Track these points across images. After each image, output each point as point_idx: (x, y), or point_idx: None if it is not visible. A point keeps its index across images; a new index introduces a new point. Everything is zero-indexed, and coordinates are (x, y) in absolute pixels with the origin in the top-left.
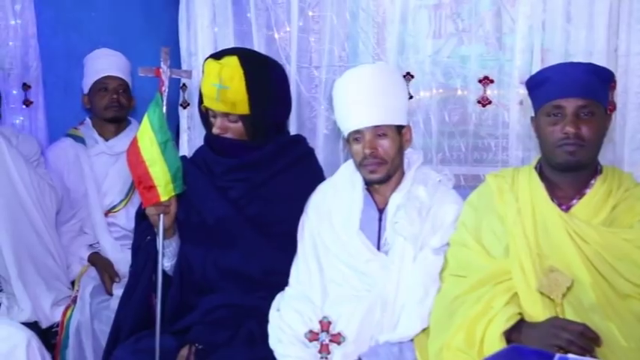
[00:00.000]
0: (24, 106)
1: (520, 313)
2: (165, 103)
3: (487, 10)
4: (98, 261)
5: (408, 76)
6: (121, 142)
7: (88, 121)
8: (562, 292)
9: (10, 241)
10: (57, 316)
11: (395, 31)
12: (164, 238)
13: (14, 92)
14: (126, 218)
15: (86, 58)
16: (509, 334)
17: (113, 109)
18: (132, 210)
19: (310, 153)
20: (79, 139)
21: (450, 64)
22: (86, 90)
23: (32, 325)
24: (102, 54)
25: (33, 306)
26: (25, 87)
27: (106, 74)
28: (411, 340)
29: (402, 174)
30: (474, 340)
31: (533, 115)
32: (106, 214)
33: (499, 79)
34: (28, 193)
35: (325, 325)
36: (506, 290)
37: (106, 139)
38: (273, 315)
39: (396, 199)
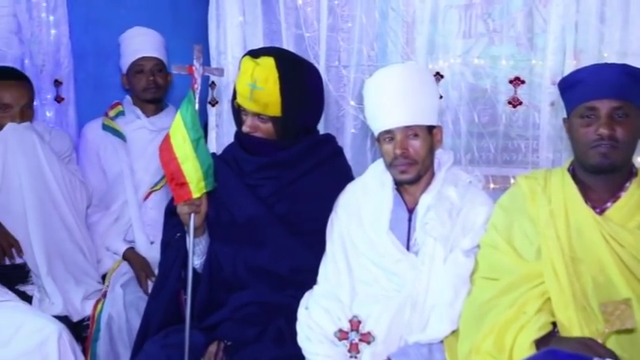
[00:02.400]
0: (55, 102)
1: (553, 322)
2: (197, 100)
3: (519, 10)
4: (134, 259)
5: (438, 76)
6: (161, 119)
7: (128, 98)
8: (616, 328)
9: (41, 237)
10: (87, 310)
11: (425, 30)
12: (194, 236)
13: (46, 88)
14: (166, 201)
15: (121, 37)
16: (537, 344)
17: (151, 90)
18: None
19: (339, 152)
20: (117, 133)
21: (480, 65)
22: (124, 70)
23: (63, 319)
24: (135, 33)
25: (64, 301)
26: (57, 83)
27: (141, 55)
28: (441, 341)
29: (432, 174)
30: (503, 345)
31: (565, 116)
32: (148, 194)
33: (530, 79)
34: (60, 190)
35: (355, 324)
36: (540, 295)
37: (147, 116)
38: (301, 313)
39: (426, 200)
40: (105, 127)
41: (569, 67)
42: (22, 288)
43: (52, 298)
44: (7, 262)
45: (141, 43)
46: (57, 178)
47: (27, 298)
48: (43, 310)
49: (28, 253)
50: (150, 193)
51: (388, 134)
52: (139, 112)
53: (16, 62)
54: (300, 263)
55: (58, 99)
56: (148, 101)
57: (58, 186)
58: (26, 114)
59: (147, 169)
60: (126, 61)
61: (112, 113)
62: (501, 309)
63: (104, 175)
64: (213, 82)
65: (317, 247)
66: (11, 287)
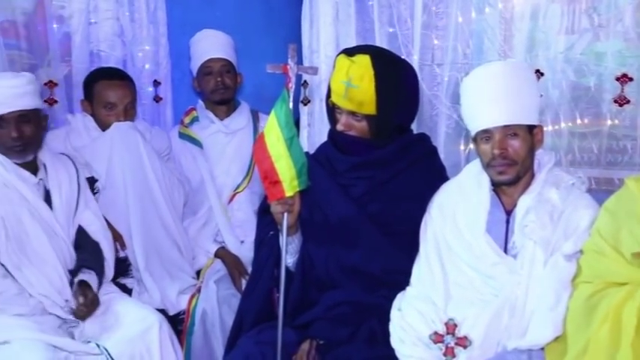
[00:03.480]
0: (154, 102)
1: None
2: (291, 99)
3: (627, 3)
4: (227, 257)
5: (538, 74)
6: (235, 120)
7: (201, 103)
8: None
9: (141, 233)
10: (183, 304)
11: (524, 27)
12: (287, 235)
13: (146, 88)
14: (250, 201)
15: (191, 41)
16: None
17: (219, 92)
18: (255, 185)
19: (433, 152)
20: (193, 140)
21: (584, 61)
22: (195, 73)
23: (160, 312)
24: (203, 36)
25: (161, 295)
26: (156, 83)
27: (209, 57)
28: (542, 348)
29: (532, 176)
30: (620, 327)
31: None
32: (232, 197)
33: (639, 77)
34: (160, 188)
35: (451, 327)
36: None
37: (221, 119)
38: (394, 314)
39: (525, 202)
40: (181, 136)
41: None
42: (122, 281)
43: (150, 292)
44: None
45: (209, 45)
46: (157, 176)
47: (127, 291)
48: (142, 303)
49: (129, 247)
50: (234, 196)
51: (486, 134)
52: (212, 116)
53: (119, 63)
54: (393, 264)
55: (157, 99)
56: (218, 102)
57: (158, 184)
58: (129, 113)
59: (227, 172)
60: (195, 64)
61: (187, 120)
62: (612, 296)
63: (188, 181)
64: (305, 81)
65: (410, 247)
66: (113, 279)
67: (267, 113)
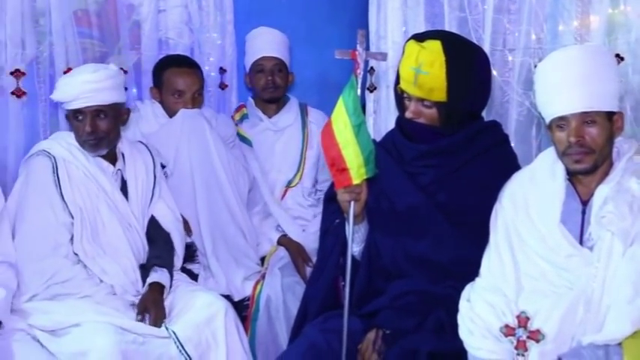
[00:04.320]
0: (219, 89)
1: None
2: (359, 85)
3: None
4: (290, 245)
5: (618, 58)
6: (282, 118)
7: (250, 100)
8: None
9: (207, 218)
10: (247, 291)
11: (604, 9)
12: (354, 223)
13: (212, 75)
14: (303, 196)
15: (246, 37)
16: None
17: (269, 90)
18: (306, 180)
19: (504, 140)
20: (243, 139)
21: None
22: (247, 69)
23: (225, 298)
24: (258, 33)
25: (226, 280)
26: (222, 71)
27: (261, 55)
28: (619, 344)
29: (610, 164)
30: None
31: None
32: (285, 192)
33: None
34: (225, 174)
35: (523, 320)
36: None
37: (269, 117)
38: (463, 305)
39: (603, 191)
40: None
41: None
42: (188, 266)
43: (216, 278)
44: None
45: (263, 42)
46: (223, 162)
47: (193, 276)
48: (208, 289)
49: (196, 232)
50: (286, 191)
51: (562, 121)
52: (260, 113)
53: (186, 51)
54: (461, 254)
55: (222, 86)
56: (267, 100)
57: (224, 170)
58: (197, 100)
59: (279, 169)
60: (248, 60)
61: (237, 117)
62: None
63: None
64: (372, 68)
65: (479, 238)
66: None
67: (332, 101)
